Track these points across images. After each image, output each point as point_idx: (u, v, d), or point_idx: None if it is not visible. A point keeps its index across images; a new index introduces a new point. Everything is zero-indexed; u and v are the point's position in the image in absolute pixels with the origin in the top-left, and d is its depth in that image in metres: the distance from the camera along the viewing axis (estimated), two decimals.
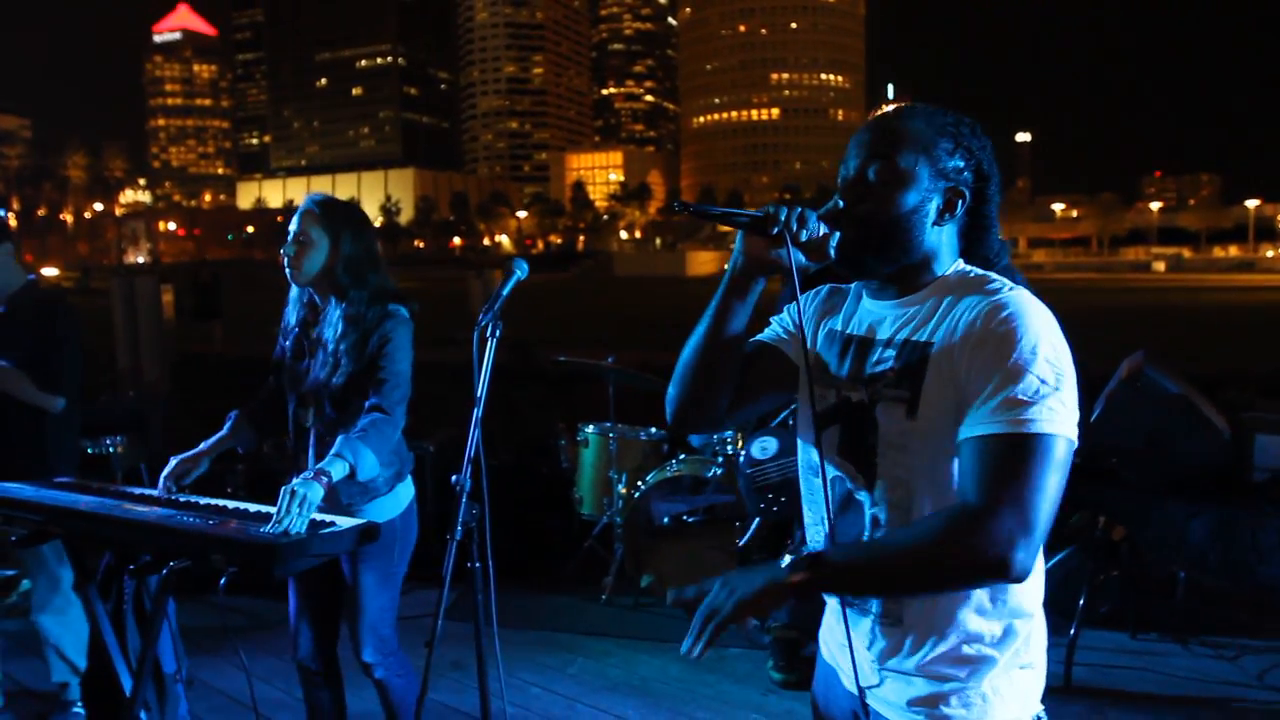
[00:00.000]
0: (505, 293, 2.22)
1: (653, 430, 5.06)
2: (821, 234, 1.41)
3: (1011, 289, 1.37)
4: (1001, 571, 1.21)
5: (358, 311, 2.55)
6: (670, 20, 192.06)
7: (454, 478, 2.13)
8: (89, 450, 4.64)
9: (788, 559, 1.30)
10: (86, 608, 2.65)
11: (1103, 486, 3.80)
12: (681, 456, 4.83)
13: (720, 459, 4.69)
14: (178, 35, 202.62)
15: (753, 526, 4.32)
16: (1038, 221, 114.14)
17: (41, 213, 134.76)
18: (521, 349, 12.90)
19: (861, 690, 1.46)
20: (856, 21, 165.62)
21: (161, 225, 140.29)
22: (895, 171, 1.40)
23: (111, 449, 4.67)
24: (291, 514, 2.12)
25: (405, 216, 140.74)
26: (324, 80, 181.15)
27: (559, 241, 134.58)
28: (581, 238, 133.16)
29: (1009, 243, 1.54)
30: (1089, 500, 3.91)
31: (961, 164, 1.43)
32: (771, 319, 1.65)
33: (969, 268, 1.46)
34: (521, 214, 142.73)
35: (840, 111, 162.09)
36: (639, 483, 4.70)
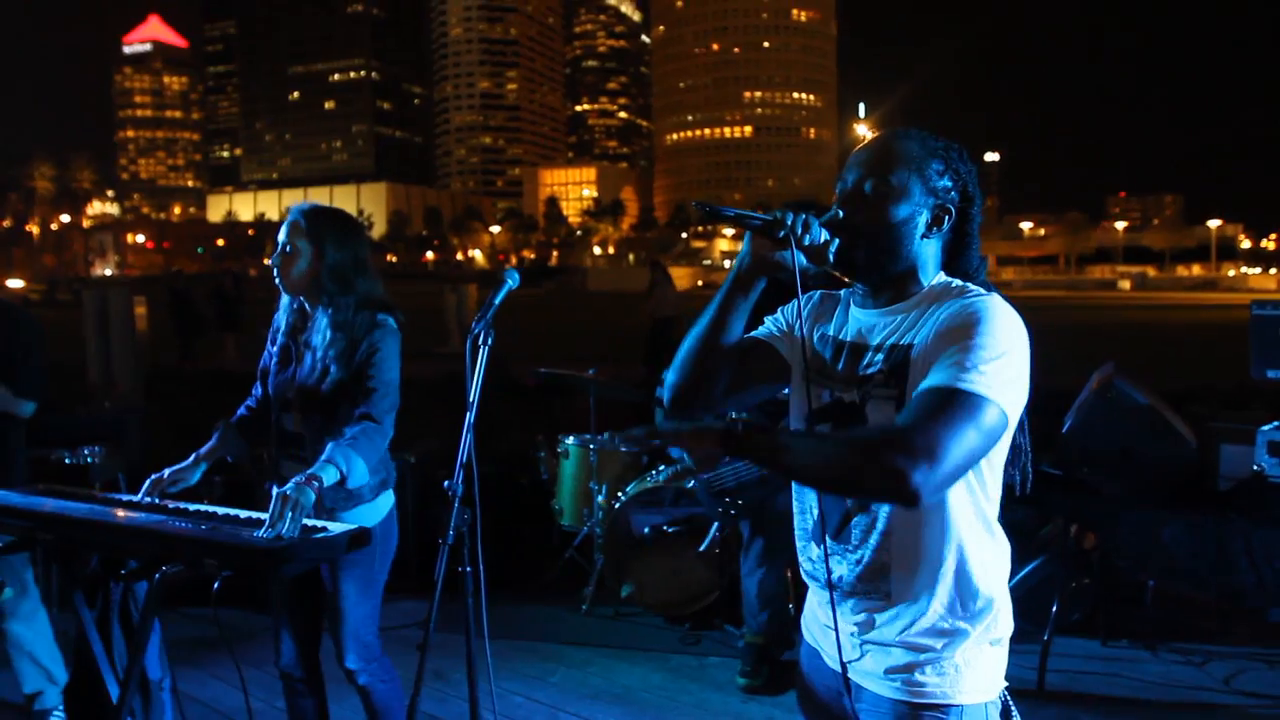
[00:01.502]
0: (498, 301, 2.26)
1: None
2: (823, 240, 1.53)
3: (988, 295, 1.50)
4: (898, 483, 1.30)
5: (344, 318, 2.58)
6: (644, 38, 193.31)
7: (446, 483, 2.16)
8: (66, 460, 4.61)
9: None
10: (70, 614, 2.65)
11: (1074, 496, 3.89)
12: (661, 468, 4.88)
13: None
14: (148, 46, 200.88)
15: (713, 530, 4.39)
16: (1006, 240, 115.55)
17: (7, 224, 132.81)
18: (496, 363, 12.86)
19: (844, 665, 1.56)
20: (828, 41, 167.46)
21: (130, 237, 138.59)
22: (889, 186, 1.53)
23: (89, 459, 4.64)
24: (285, 518, 2.14)
25: (378, 231, 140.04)
26: (296, 93, 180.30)
27: (532, 257, 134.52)
28: (555, 253, 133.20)
29: (986, 260, 1.67)
30: (1061, 509, 3.99)
31: (950, 184, 1.57)
32: (765, 318, 1.77)
33: (951, 279, 1.59)
34: (495, 229, 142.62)
35: (812, 130, 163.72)
36: (619, 494, 4.73)
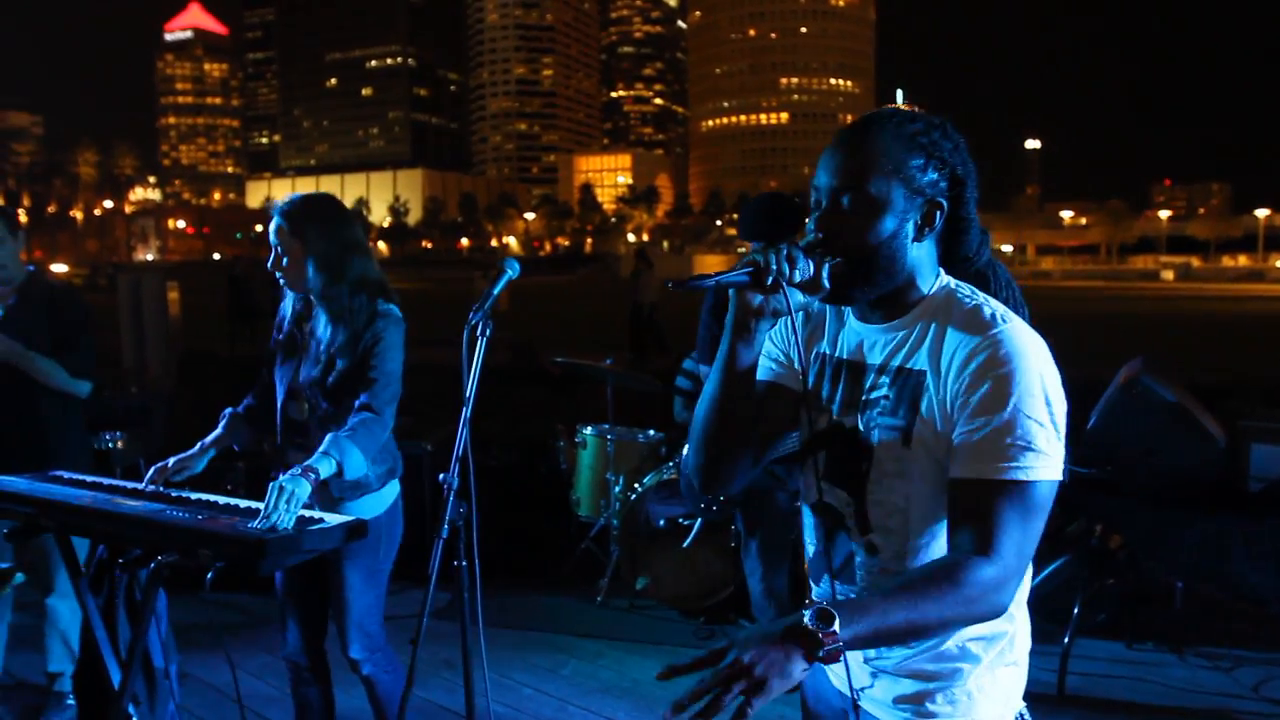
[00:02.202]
0: (496, 292, 2.23)
1: (650, 432, 5.06)
2: (813, 270, 1.37)
3: (1006, 322, 1.35)
4: (995, 615, 1.29)
5: (341, 306, 2.56)
6: (680, 23, 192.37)
7: (441, 476, 2.13)
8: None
9: (801, 624, 1.18)
10: (79, 601, 2.66)
11: (1099, 494, 3.79)
12: (678, 459, 4.84)
13: None
14: (189, 34, 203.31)
15: (696, 527, 4.34)
16: (1046, 229, 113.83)
17: (52, 209, 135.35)
18: (525, 350, 12.93)
19: (855, 691, 1.48)
20: (866, 26, 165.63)
21: (171, 223, 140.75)
22: (868, 200, 1.37)
23: (111, 444, 4.69)
24: (279, 509, 2.13)
25: (413, 217, 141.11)
26: (334, 80, 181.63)
27: (566, 244, 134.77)
28: (589, 240, 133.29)
29: (988, 235, 1.52)
30: (1085, 508, 3.89)
31: (935, 176, 1.40)
32: (760, 356, 1.58)
33: (953, 283, 1.45)
34: (529, 215, 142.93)
35: (849, 116, 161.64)
36: (636, 485, 4.70)
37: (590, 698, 3.68)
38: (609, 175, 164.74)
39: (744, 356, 1.43)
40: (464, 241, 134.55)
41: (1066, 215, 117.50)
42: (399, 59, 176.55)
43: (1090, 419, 3.77)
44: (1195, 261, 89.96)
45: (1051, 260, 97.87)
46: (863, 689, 1.50)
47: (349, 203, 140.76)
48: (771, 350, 1.60)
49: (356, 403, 2.50)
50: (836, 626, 1.16)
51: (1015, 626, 1.45)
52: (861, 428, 1.43)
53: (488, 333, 2.18)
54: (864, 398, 1.44)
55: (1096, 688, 3.69)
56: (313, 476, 2.26)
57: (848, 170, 1.39)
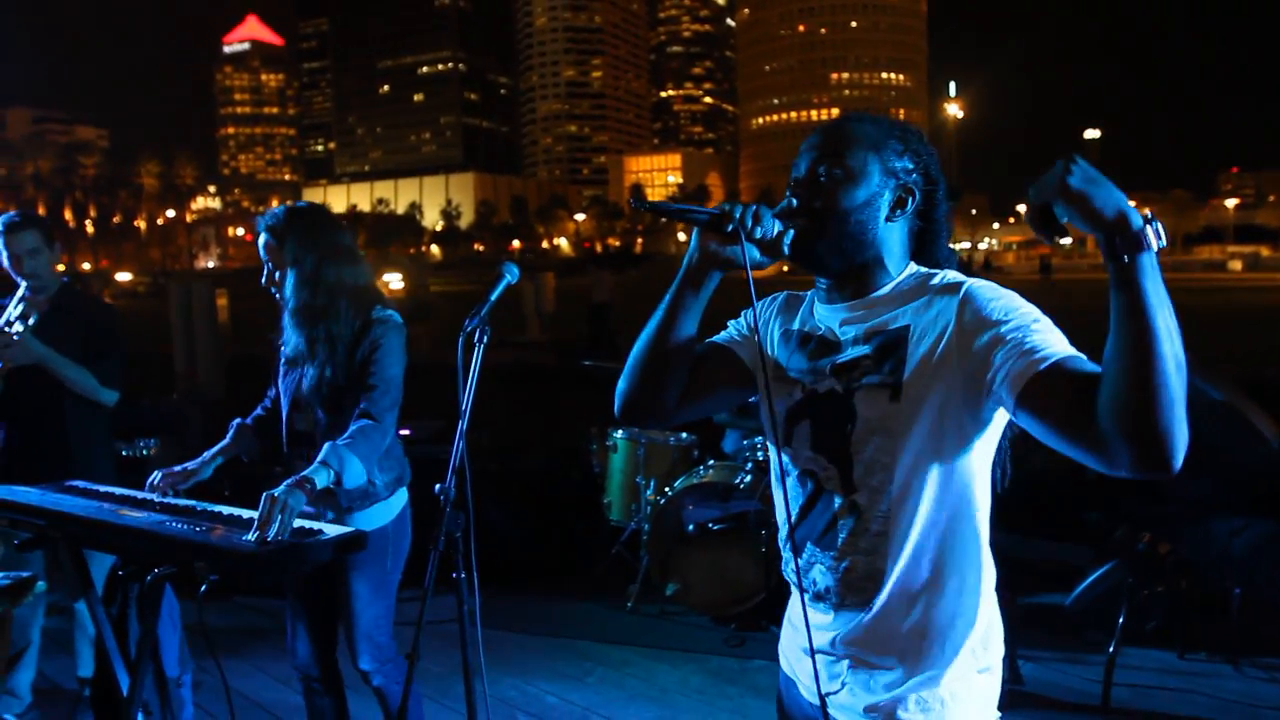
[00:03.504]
0: (494, 297, 2.18)
1: (683, 436, 4.98)
2: (776, 232, 1.42)
3: (976, 277, 1.41)
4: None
5: (314, 313, 2.51)
6: (729, 21, 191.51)
7: (437, 487, 2.08)
8: (124, 452, 4.71)
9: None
10: (90, 612, 2.66)
11: (1145, 498, 3.62)
12: (710, 462, 4.75)
13: (750, 465, 4.59)
14: (246, 46, 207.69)
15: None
16: None
17: (117, 220, 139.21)
18: (571, 352, 12.95)
19: (823, 698, 1.46)
20: (918, 19, 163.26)
21: (231, 231, 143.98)
22: (846, 169, 1.44)
23: (145, 451, 4.74)
24: (273, 521, 2.10)
25: (466, 220, 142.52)
26: (387, 87, 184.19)
27: (617, 244, 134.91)
28: (640, 240, 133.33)
29: (955, 253, 1.57)
30: (1131, 513, 3.72)
31: (910, 165, 1.48)
32: (729, 322, 1.67)
33: (930, 270, 1.48)
34: (580, 216, 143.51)
35: (902, 111, 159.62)
36: (666, 489, 4.62)
37: (614, 707, 3.61)
38: (659, 175, 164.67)
39: (689, 305, 1.49)
40: (515, 244, 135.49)
41: None
42: (449, 64, 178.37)
43: None
44: (1264, 251, 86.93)
45: None
46: (830, 694, 1.47)
47: (401, 208, 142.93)
48: (739, 322, 1.65)
49: (355, 410, 2.47)
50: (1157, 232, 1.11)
51: (988, 628, 1.43)
52: (840, 390, 1.44)
53: (485, 339, 2.12)
54: (840, 364, 1.45)
55: (1144, 700, 3.52)
56: (308, 486, 2.22)
57: (828, 145, 1.46)
